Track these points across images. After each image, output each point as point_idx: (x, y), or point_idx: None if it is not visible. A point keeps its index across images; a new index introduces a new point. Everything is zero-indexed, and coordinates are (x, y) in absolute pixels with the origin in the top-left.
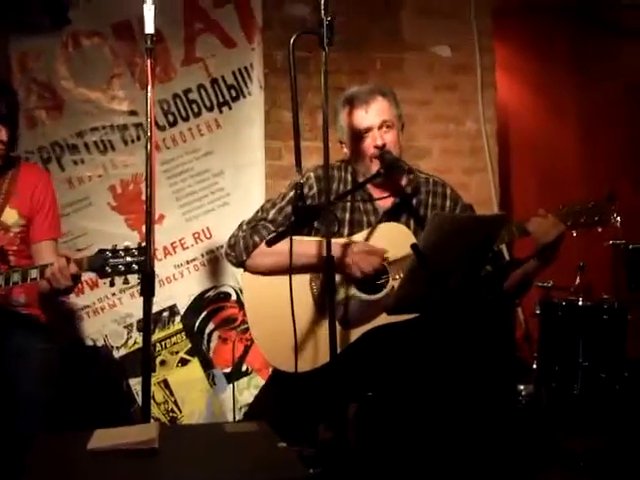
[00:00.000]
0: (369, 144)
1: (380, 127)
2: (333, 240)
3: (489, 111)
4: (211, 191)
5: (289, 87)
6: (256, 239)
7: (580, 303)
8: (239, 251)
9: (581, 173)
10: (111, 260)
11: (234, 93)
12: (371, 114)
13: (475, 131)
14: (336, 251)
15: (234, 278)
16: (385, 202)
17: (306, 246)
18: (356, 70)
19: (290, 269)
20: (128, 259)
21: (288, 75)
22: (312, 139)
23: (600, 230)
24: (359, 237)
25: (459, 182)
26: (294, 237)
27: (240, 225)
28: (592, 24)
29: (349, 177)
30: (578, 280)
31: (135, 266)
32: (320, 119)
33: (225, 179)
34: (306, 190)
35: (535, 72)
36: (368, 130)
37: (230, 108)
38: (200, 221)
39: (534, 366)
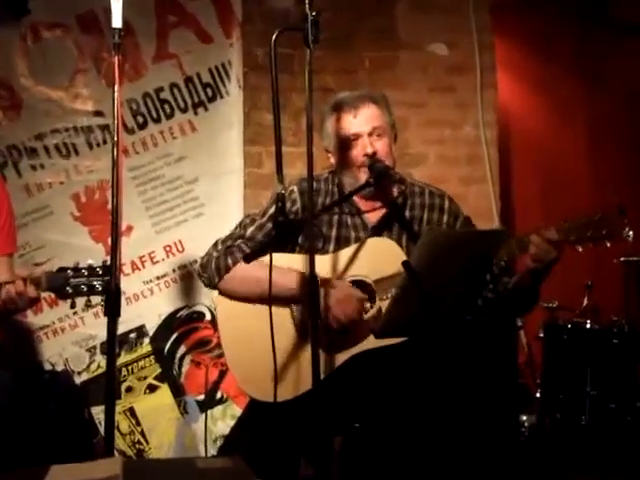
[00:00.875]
0: (358, 152)
1: (370, 134)
2: (317, 257)
3: (489, 115)
4: (184, 200)
5: (270, 87)
6: (229, 262)
7: (588, 326)
8: (211, 273)
9: (589, 183)
10: (72, 280)
11: (210, 93)
12: (360, 120)
13: (474, 137)
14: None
15: (209, 297)
16: (374, 215)
17: (286, 278)
18: (343, 70)
19: (270, 288)
20: (91, 279)
21: (270, 74)
22: (296, 144)
23: (609, 245)
24: (345, 253)
25: (456, 193)
26: (275, 254)
27: (215, 243)
28: (598, 19)
29: (335, 189)
30: (586, 300)
31: (99, 287)
32: (305, 122)
33: (200, 187)
34: (289, 205)
35: (538, 72)
36: (357, 137)
37: (206, 109)
38: (172, 233)
39: (537, 394)
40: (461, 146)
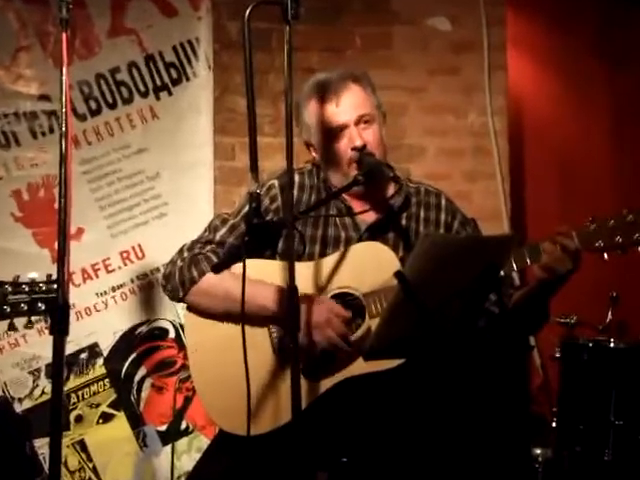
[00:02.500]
0: (345, 146)
1: (357, 123)
2: (298, 265)
3: (498, 100)
4: (144, 199)
5: (244, 67)
6: (194, 273)
7: (612, 344)
8: (175, 285)
9: (614, 178)
10: (11, 297)
11: (175, 74)
12: (344, 108)
13: (480, 126)
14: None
15: (173, 311)
16: (368, 216)
17: (261, 293)
18: (330, 48)
19: (242, 305)
20: (34, 296)
21: (243, 52)
22: (274, 134)
23: None
24: (330, 260)
25: (459, 190)
26: (250, 261)
27: (180, 250)
28: None
29: (321, 185)
30: (610, 315)
31: (41, 305)
32: (284, 109)
33: (162, 184)
34: (267, 202)
35: (556, 51)
36: (342, 128)
37: (170, 93)
38: (130, 237)
39: (553, 424)
40: (466, 136)
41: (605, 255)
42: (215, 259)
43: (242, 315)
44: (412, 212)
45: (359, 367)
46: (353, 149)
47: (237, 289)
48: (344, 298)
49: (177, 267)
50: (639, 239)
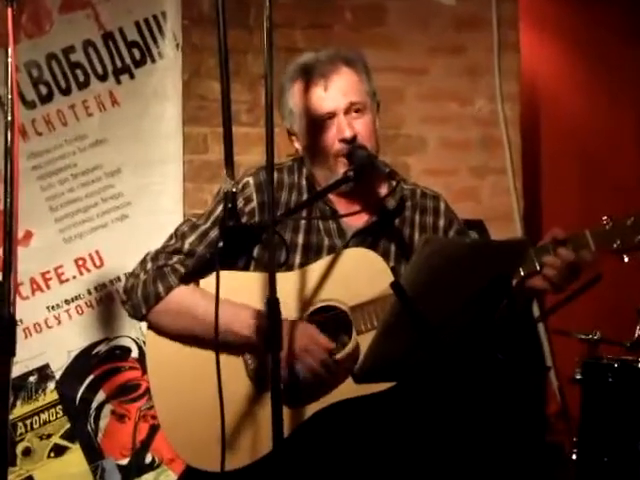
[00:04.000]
0: (333, 136)
1: (347, 111)
2: (277, 275)
3: (509, 85)
4: (103, 198)
5: (218, 47)
6: (160, 288)
7: None
8: (137, 302)
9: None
10: None
11: (138, 55)
12: (333, 93)
13: (489, 114)
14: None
15: (136, 327)
16: (356, 220)
17: (236, 319)
18: (316, 24)
19: (216, 319)
20: None
21: (217, 29)
22: (252, 123)
23: None
24: (314, 270)
25: (465, 187)
26: (224, 274)
27: (143, 260)
28: None
29: (304, 183)
30: (638, 331)
31: None
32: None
33: (124, 181)
34: (241, 204)
35: (578, 30)
36: (330, 116)
37: (132, 77)
38: (86, 242)
39: (573, 456)
40: (472, 126)
41: (625, 257)
42: (184, 271)
43: (216, 340)
44: (406, 216)
45: (348, 390)
46: (341, 141)
47: (209, 310)
48: (328, 312)
49: (140, 280)
50: None
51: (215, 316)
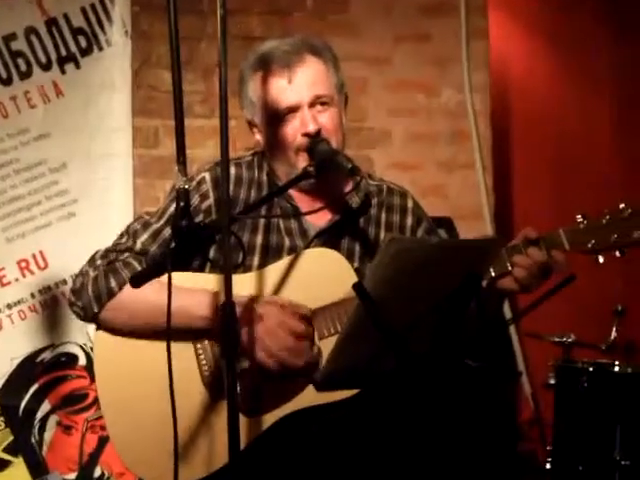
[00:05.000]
0: (296, 130)
1: (312, 105)
2: (234, 277)
3: (478, 74)
4: (47, 195)
5: (169, 34)
6: (112, 284)
7: (616, 368)
8: (87, 300)
9: (620, 171)
10: None
11: (84, 43)
12: (298, 85)
13: (457, 105)
14: (240, 314)
15: (83, 332)
16: (319, 218)
17: (188, 298)
18: (274, 10)
19: (168, 326)
20: None
21: (168, 15)
22: (207, 115)
23: None
24: (273, 271)
25: (432, 183)
26: (176, 275)
27: (92, 258)
28: None
29: (264, 178)
30: (614, 333)
31: None
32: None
33: (70, 177)
34: (197, 201)
35: (550, 17)
36: (294, 109)
37: (77, 66)
38: (29, 242)
39: (547, 465)
40: (439, 118)
41: (600, 258)
42: (137, 265)
43: (167, 332)
44: (372, 214)
45: (309, 397)
46: (304, 135)
47: (163, 299)
48: None
49: (90, 278)
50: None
51: (167, 322)
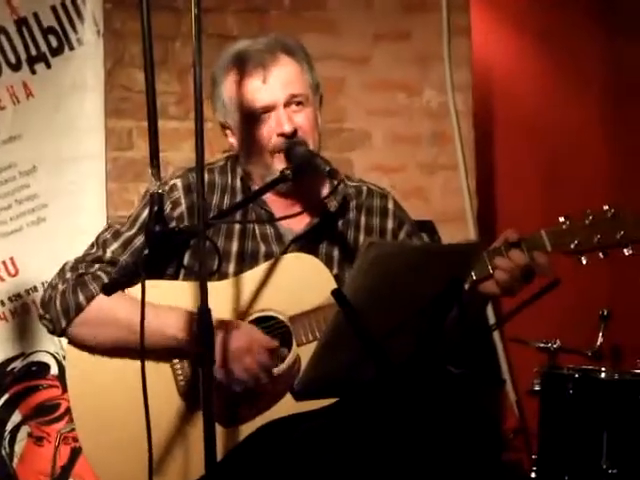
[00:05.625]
0: (271, 131)
1: (287, 104)
2: (210, 285)
3: (461, 73)
4: (16, 199)
5: (142, 33)
6: (80, 298)
7: (603, 375)
8: (55, 314)
9: (610, 174)
10: None
11: (55, 42)
12: (273, 85)
13: (438, 105)
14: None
15: (55, 341)
16: (296, 223)
17: (164, 320)
18: (251, 8)
19: (142, 335)
20: None
21: (140, 13)
22: (182, 117)
23: (629, 254)
24: (250, 278)
25: (414, 186)
26: (150, 283)
27: (62, 270)
28: None
29: (238, 183)
30: (600, 338)
31: None
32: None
33: (40, 181)
34: (169, 208)
35: (537, 13)
36: (268, 109)
37: (48, 66)
38: None
39: (532, 475)
40: (421, 119)
41: (583, 259)
42: (106, 279)
43: (141, 349)
44: (350, 218)
45: (286, 407)
46: (280, 135)
47: (133, 315)
48: (267, 323)
49: (58, 291)
50: (623, 239)
51: (140, 330)
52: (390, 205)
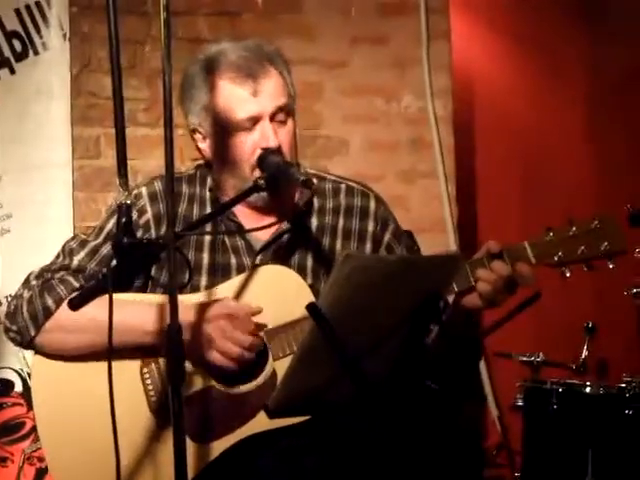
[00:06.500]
0: (255, 143)
1: (273, 117)
2: (181, 298)
3: (440, 79)
4: None
5: (108, 37)
6: (49, 302)
7: (588, 389)
8: (23, 323)
9: (593, 180)
10: None
11: (19, 47)
12: (262, 97)
13: (417, 111)
14: (184, 319)
15: (19, 357)
16: (264, 233)
17: (134, 312)
18: (223, 11)
19: (109, 349)
20: None
21: (107, 17)
22: (152, 124)
23: (612, 267)
24: (223, 291)
25: (392, 194)
26: (117, 296)
27: (26, 280)
28: None
29: (207, 194)
30: (585, 351)
31: None
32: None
33: (4, 190)
34: (135, 216)
35: (517, 17)
36: (254, 121)
37: (12, 71)
38: None
39: None
40: (399, 125)
41: (567, 272)
42: (74, 282)
43: (108, 356)
44: (326, 222)
45: (260, 423)
46: (265, 149)
47: (106, 315)
48: None
49: (24, 299)
50: (607, 251)
51: (109, 344)
52: (372, 205)
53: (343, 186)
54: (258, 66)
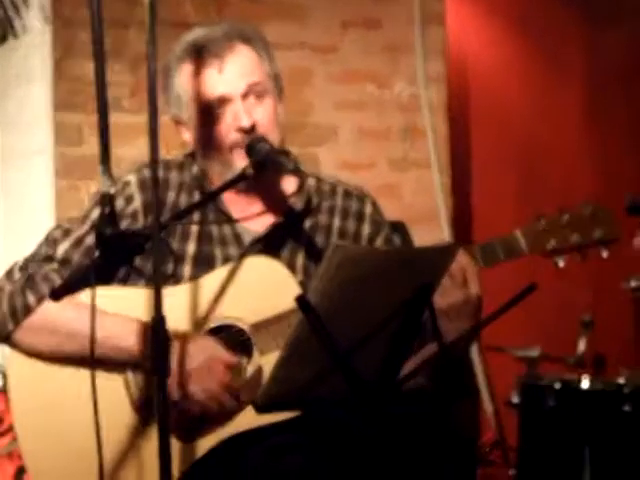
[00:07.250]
0: (228, 126)
1: (246, 96)
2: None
3: (434, 65)
4: None
5: (91, 20)
6: (29, 299)
7: (586, 385)
8: (2, 317)
9: (591, 170)
10: None
11: None
12: (230, 75)
13: (410, 98)
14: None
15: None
16: (255, 223)
17: (119, 329)
18: None
19: (92, 345)
20: None
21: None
22: (135, 111)
23: (605, 255)
24: (209, 282)
25: (384, 183)
26: (100, 290)
27: (10, 271)
28: None
29: (194, 183)
30: (582, 346)
31: None
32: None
33: None
34: (122, 204)
35: (515, 1)
36: (225, 102)
37: None
38: None
39: None
40: (391, 112)
41: (560, 262)
42: (58, 279)
43: (91, 360)
44: (321, 221)
45: (247, 420)
46: (238, 130)
47: (83, 325)
48: (227, 331)
49: (5, 293)
50: (601, 239)
51: (91, 339)
52: (368, 209)
53: (340, 189)
54: (225, 44)
